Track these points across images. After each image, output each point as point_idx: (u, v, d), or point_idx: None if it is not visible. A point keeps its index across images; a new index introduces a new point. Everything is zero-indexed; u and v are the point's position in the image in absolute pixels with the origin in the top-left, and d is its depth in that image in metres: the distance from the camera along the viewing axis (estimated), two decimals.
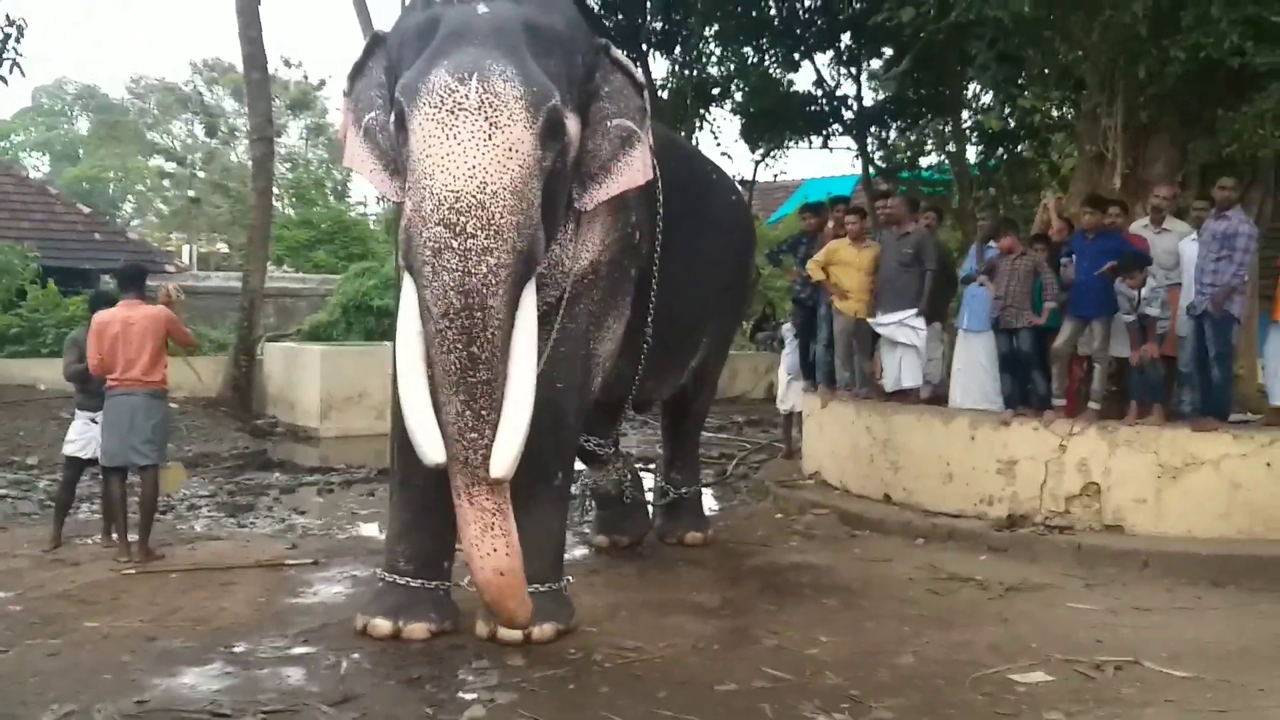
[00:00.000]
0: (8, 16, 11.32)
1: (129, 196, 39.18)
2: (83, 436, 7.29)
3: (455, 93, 4.52)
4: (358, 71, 5.47)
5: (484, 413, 4.61)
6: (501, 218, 4.50)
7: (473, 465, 4.64)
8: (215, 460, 11.46)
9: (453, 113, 4.51)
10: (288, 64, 31.58)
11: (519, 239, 4.58)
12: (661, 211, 6.27)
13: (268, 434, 13.64)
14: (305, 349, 15.19)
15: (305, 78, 33.22)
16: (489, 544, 4.70)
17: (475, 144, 4.47)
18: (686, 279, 6.63)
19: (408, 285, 4.92)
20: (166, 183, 33.56)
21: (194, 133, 34.24)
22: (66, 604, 5.98)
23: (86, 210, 22.62)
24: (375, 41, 5.43)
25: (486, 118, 4.49)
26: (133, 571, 6.65)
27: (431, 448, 4.73)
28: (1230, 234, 7.33)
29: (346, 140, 5.49)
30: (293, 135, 33.82)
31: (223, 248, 29.40)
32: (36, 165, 39.86)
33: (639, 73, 5.53)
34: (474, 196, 4.46)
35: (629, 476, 7.55)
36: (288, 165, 31.37)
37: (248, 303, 14.39)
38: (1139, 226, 8.30)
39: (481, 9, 4.88)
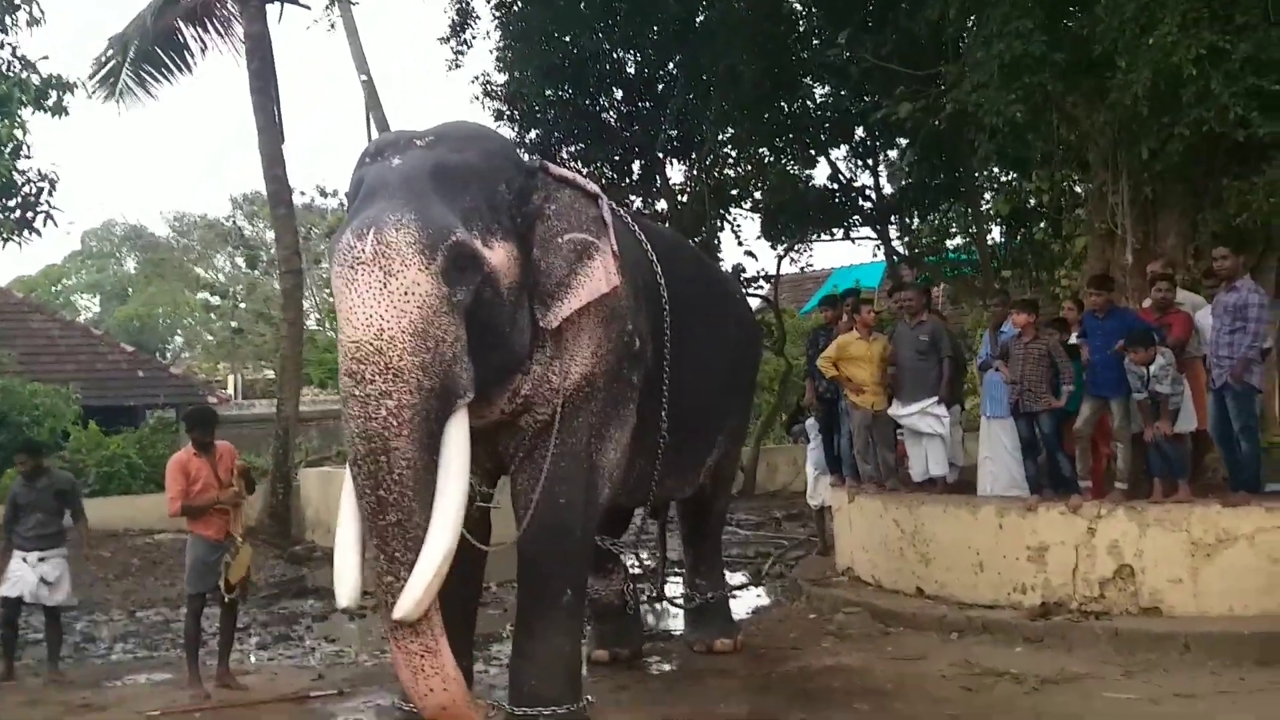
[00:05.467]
0: (39, 171, 11.83)
1: (178, 330, 40.02)
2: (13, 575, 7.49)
3: (354, 249, 4.73)
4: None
5: (397, 554, 4.64)
6: (400, 360, 4.62)
7: (391, 608, 4.65)
8: (252, 590, 11.46)
9: (353, 267, 4.72)
10: (323, 193, 32.32)
11: (425, 378, 4.68)
12: (669, 312, 6.31)
13: (306, 559, 13.65)
14: (341, 472, 15.19)
15: (341, 204, 33.96)
16: (424, 685, 4.70)
17: (372, 294, 4.66)
18: (699, 378, 6.67)
19: None
20: (212, 315, 34.27)
21: (237, 264, 35.06)
22: None
23: (130, 349, 23.15)
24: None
25: (381, 267, 4.68)
26: (157, 714, 6.64)
27: (343, 591, 4.85)
28: (1241, 305, 7.28)
29: None
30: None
31: (269, 374, 29.84)
32: (88, 306, 40.93)
33: (590, 184, 5.64)
34: (371, 344, 4.61)
35: (630, 585, 7.49)
36: (328, 291, 31.90)
37: (282, 430, 14.55)
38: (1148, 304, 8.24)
39: (395, 162, 5.11)
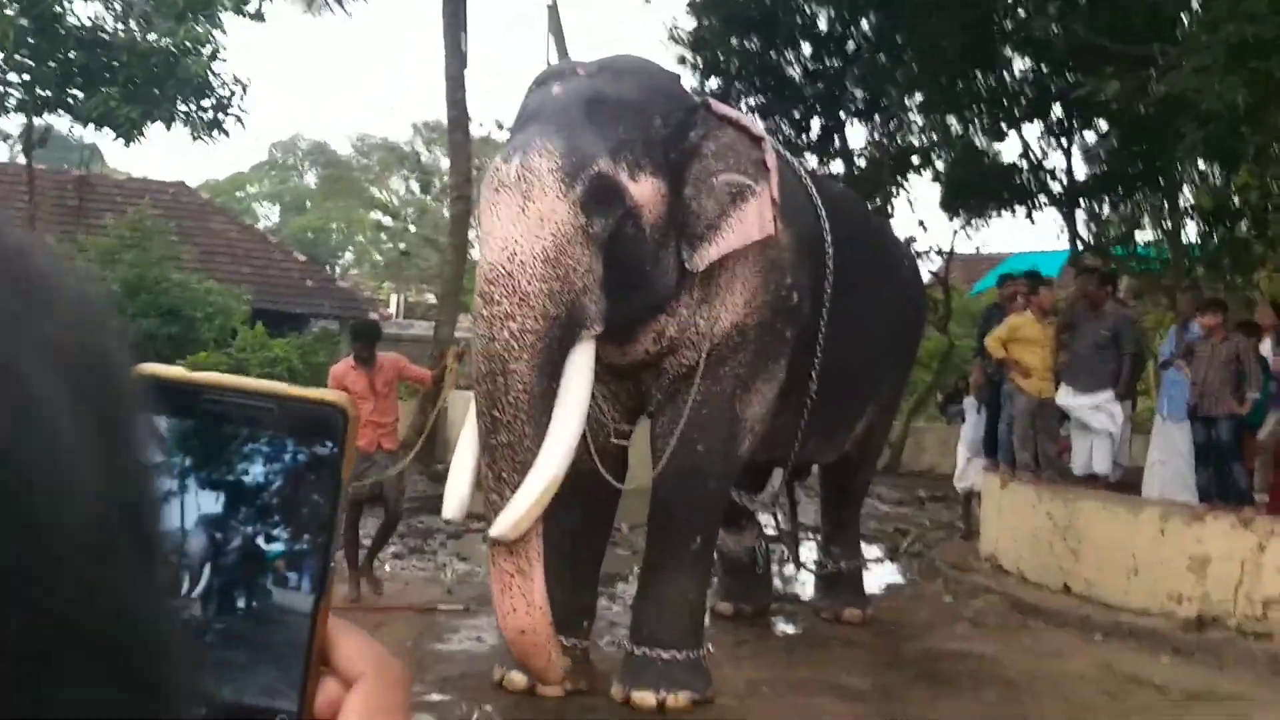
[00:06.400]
0: (234, 76, 12.22)
1: (350, 247, 41.23)
2: None
3: (500, 172, 4.78)
4: None
5: (504, 475, 4.67)
6: (529, 285, 4.61)
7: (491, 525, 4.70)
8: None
9: (496, 190, 4.75)
10: (500, 126, 32.81)
11: (551, 305, 4.65)
12: (831, 270, 6.08)
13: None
14: None
15: None
16: (509, 603, 4.74)
17: (510, 217, 4.68)
18: (855, 341, 6.43)
19: None
20: (383, 235, 35.11)
21: (411, 188, 35.85)
22: None
23: (302, 258, 23.89)
24: None
25: (522, 192, 4.68)
26: None
27: (450, 504, 4.97)
28: None
29: None
30: None
31: (430, 297, 30.51)
32: (267, 215, 42.46)
33: (756, 125, 5.45)
34: (503, 267, 4.64)
35: (762, 544, 7.34)
36: None
37: (437, 352, 14.82)
38: None
39: (555, 90, 5.09)
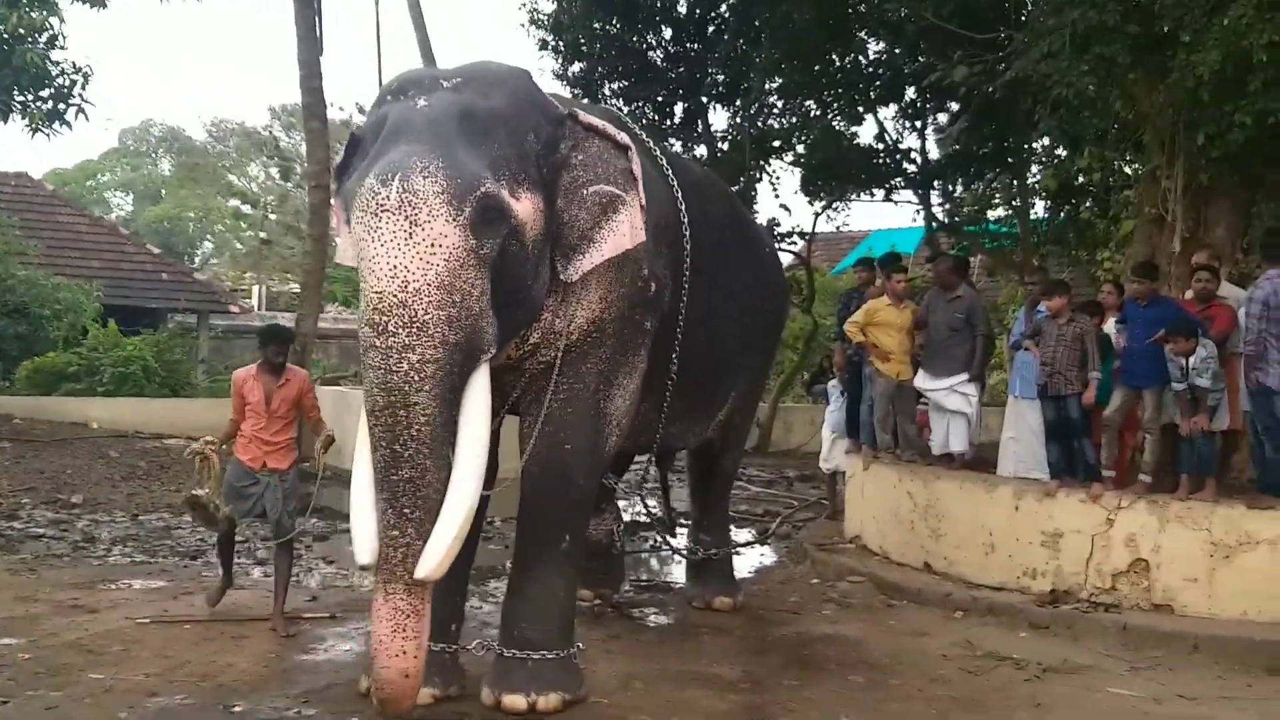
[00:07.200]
0: (74, 64, 11.69)
1: (209, 236, 40.04)
2: None
3: (378, 195, 4.49)
4: (342, 170, 5.38)
5: (407, 511, 4.48)
6: (426, 314, 4.44)
7: (391, 563, 4.49)
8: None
9: (377, 215, 4.48)
10: (362, 111, 32.15)
11: (450, 332, 4.51)
12: (689, 253, 6.10)
13: (313, 476, 13.63)
14: (354, 392, 15.16)
15: None
16: (398, 645, 4.51)
17: (397, 244, 4.45)
18: (717, 326, 6.51)
19: None
20: (242, 223, 34.15)
21: (270, 175, 34.96)
22: (75, 654, 5.93)
23: (156, 250, 23.13)
24: (355, 140, 5.32)
25: (407, 216, 4.46)
26: (146, 621, 6.60)
27: (360, 548, 4.63)
28: (1260, 299, 7.05)
29: (340, 237, 5.45)
30: None
31: (294, 287, 29.82)
32: (120, 204, 40.95)
33: (621, 135, 5.39)
34: (395, 296, 4.42)
35: (619, 525, 7.39)
36: None
37: (299, 346, 14.44)
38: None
39: (421, 103, 4.88)
